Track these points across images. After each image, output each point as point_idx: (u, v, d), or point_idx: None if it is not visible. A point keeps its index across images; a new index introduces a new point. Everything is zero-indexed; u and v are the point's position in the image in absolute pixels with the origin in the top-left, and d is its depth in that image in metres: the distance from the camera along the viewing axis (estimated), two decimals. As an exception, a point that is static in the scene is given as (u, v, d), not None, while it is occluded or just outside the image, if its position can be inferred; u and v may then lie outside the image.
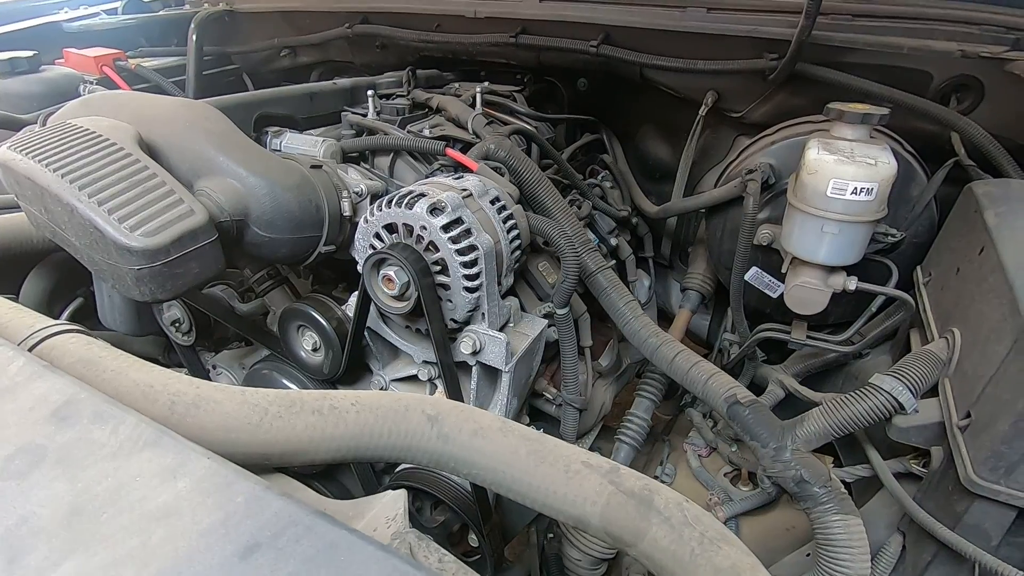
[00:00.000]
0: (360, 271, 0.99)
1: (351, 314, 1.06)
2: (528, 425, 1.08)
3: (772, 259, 1.24)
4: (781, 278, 1.21)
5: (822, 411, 0.94)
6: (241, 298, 1.28)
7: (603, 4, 1.50)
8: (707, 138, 1.60)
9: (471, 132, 1.32)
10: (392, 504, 0.56)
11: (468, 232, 0.96)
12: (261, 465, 0.57)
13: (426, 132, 1.32)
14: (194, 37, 1.89)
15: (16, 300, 0.90)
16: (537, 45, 1.56)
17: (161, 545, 0.33)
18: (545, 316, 1.15)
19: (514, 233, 1.06)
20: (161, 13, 2.19)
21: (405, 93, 1.49)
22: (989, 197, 0.96)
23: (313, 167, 1.09)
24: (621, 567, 1.27)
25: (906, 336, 1.11)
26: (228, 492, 0.36)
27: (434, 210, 0.94)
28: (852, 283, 1.09)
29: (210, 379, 1.25)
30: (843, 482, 0.99)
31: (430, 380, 1.12)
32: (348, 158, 1.24)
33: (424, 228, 0.94)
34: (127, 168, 0.85)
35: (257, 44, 2.10)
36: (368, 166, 1.27)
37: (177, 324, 1.28)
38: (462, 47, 1.70)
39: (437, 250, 0.95)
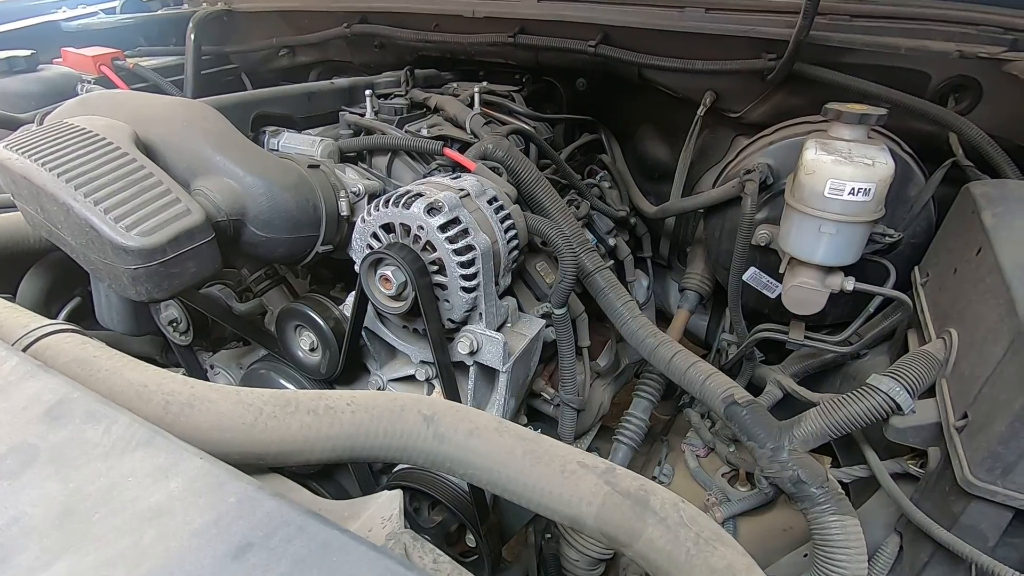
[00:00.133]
0: (357, 271, 0.99)
1: (348, 314, 1.06)
2: (526, 425, 1.08)
3: (770, 259, 1.24)
4: (779, 278, 1.21)
5: (819, 411, 0.94)
6: (239, 298, 1.27)
7: (601, 4, 1.50)
8: (705, 138, 1.60)
9: (469, 132, 1.32)
10: (388, 504, 0.56)
11: (465, 232, 0.96)
12: (256, 465, 0.57)
13: (424, 132, 1.32)
14: (192, 36, 1.89)
15: (13, 300, 0.90)
16: (535, 45, 1.56)
17: (153, 545, 0.33)
18: (543, 316, 1.14)
19: (512, 233, 1.06)
20: (159, 12, 2.18)
21: (403, 93, 1.49)
22: (986, 198, 0.96)
23: (311, 167, 1.09)
24: (619, 567, 1.27)
25: (904, 336, 1.11)
26: (220, 492, 0.36)
27: (431, 210, 0.94)
28: (850, 283, 1.09)
29: (207, 379, 1.25)
30: (840, 482, 0.99)
31: (427, 380, 1.11)
32: (346, 158, 1.24)
33: (421, 228, 0.94)
34: (124, 167, 0.85)
35: (255, 44, 2.10)
36: (366, 166, 1.27)
37: (174, 324, 1.27)
38: (460, 47, 1.69)
39: (434, 250, 0.95)
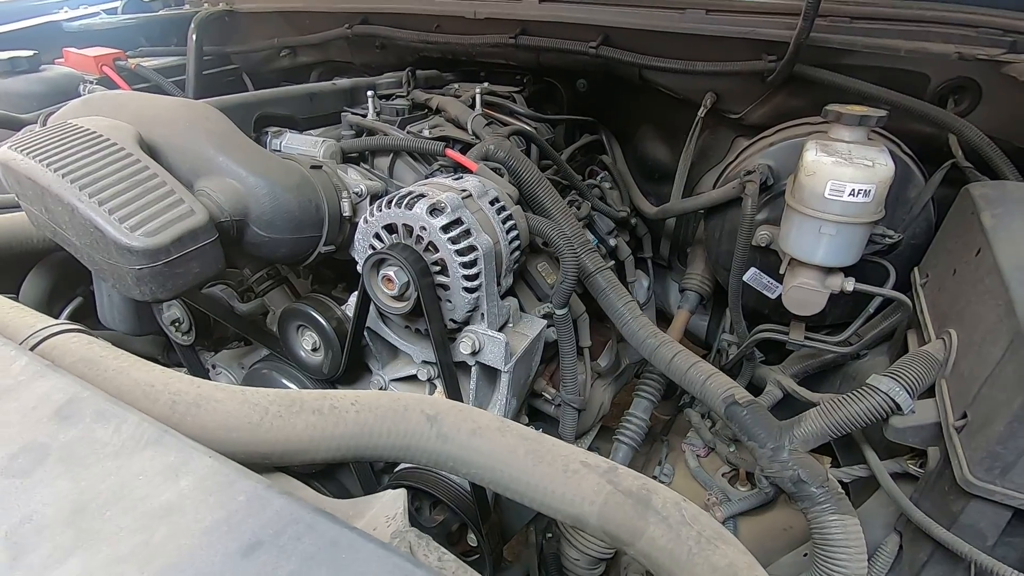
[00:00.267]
0: (360, 271, 1.00)
1: (351, 314, 1.06)
2: (527, 425, 1.09)
3: (770, 260, 1.24)
4: (779, 279, 1.22)
5: (820, 411, 0.95)
6: (241, 298, 1.28)
7: (602, 5, 1.51)
8: (706, 139, 1.61)
9: (471, 133, 1.33)
10: (392, 503, 0.57)
11: (467, 233, 0.96)
12: (261, 464, 0.57)
13: (426, 133, 1.32)
14: (194, 37, 1.90)
15: (16, 299, 0.90)
16: (536, 46, 1.57)
17: (164, 543, 0.33)
18: (544, 316, 1.15)
19: (513, 234, 1.07)
20: (161, 13, 2.19)
21: (405, 94, 1.49)
22: (986, 199, 0.96)
23: (313, 167, 1.10)
24: (619, 566, 1.27)
25: (903, 337, 1.11)
26: (230, 491, 0.36)
27: (434, 211, 0.94)
28: (850, 284, 1.10)
29: (209, 379, 1.25)
30: (840, 482, 1.00)
31: (429, 380, 1.12)
32: (348, 158, 1.24)
33: (424, 229, 0.94)
34: (128, 168, 0.86)
35: (257, 44, 2.11)
36: (368, 166, 1.27)
37: (177, 324, 1.28)
38: (462, 48, 1.70)
39: (437, 250, 0.95)
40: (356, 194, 1.13)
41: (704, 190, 1.57)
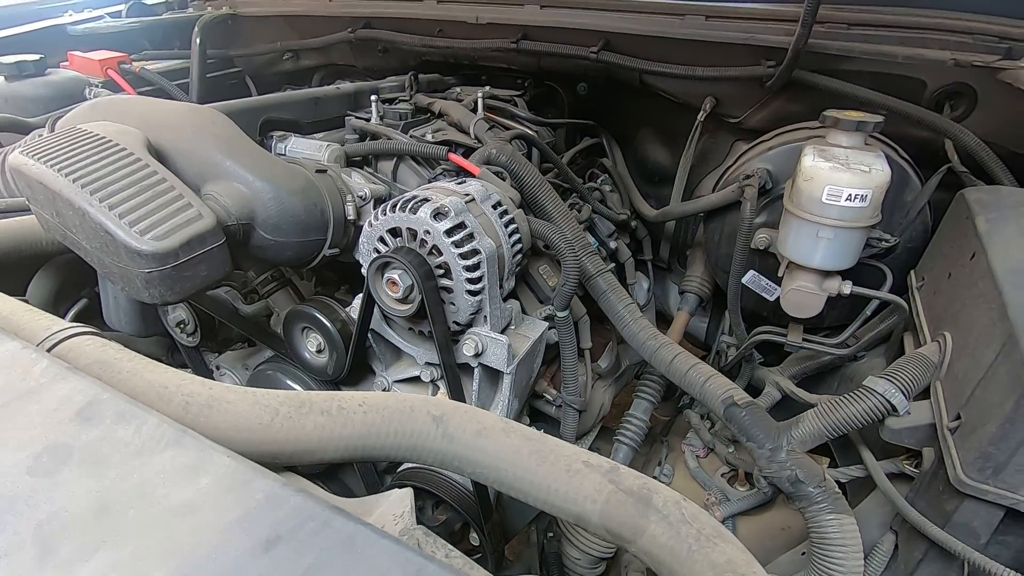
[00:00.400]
0: (364, 274, 1.01)
1: (355, 316, 1.08)
2: (528, 426, 1.10)
3: (769, 263, 1.26)
4: (778, 281, 1.23)
5: (817, 413, 0.96)
6: (244, 299, 1.29)
7: (603, 11, 1.52)
8: (705, 143, 1.63)
9: (473, 137, 1.34)
10: (399, 502, 0.58)
11: (471, 236, 0.98)
12: (271, 464, 0.59)
13: (429, 137, 1.34)
14: (198, 40, 1.91)
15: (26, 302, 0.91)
16: (538, 51, 1.58)
17: (187, 539, 0.35)
18: (546, 318, 1.16)
19: (516, 237, 1.08)
20: (164, 17, 2.20)
21: (408, 98, 1.51)
22: (980, 204, 0.98)
23: (318, 171, 1.11)
24: (620, 565, 1.28)
25: (900, 339, 1.13)
26: (248, 489, 0.38)
27: (438, 215, 0.96)
28: (847, 287, 1.11)
29: (213, 380, 1.26)
30: (838, 482, 1.01)
31: (432, 381, 1.13)
32: (352, 162, 1.26)
33: (428, 232, 0.96)
34: (137, 173, 0.87)
35: (260, 47, 2.12)
36: (371, 170, 1.29)
37: (182, 325, 1.29)
38: (464, 52, 1.72)
39: (440, 254, 0.97)
40: (360, 198, 1.15)
41: (703, 193, 1.59)
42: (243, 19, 2.11)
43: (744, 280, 1.31)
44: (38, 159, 0.85)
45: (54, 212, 0.88)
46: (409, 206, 0.97)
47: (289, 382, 1.20)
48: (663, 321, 1.81)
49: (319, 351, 1.15)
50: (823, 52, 1.28)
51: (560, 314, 1.14)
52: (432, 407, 0.66)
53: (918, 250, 1.19)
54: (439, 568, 0.33)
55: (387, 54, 1.90)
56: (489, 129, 1.37)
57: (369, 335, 1.11)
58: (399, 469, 1.14)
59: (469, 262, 0.96)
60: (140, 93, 1.73)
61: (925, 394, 0.91)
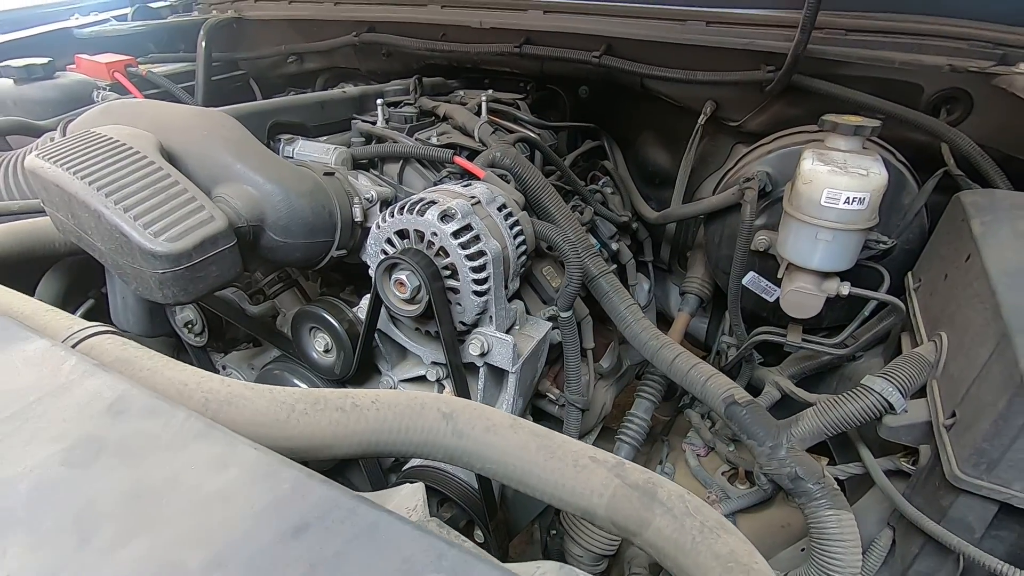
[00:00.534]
0: (372, 275, 1.03)
1: (362, 316, 1.10)
2: (533, 424, 1.12)
3: (768, 264, 1.28)
4: (777, 283, 1.25)
5: (816, 411, 0.98)
6: (251, 300, 1.31)
7: (605, 16, 1.55)
8: (706, 146, 1.65)
9: (477, 140, 1.36)
10: (412, 496, 0.60)
11: (477, 238, 1.00)
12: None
13: (434, 140, 1.36)
14: (203, 44, 1.93)
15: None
16: (541, 55, 1.60)
17: (220, 525, 0.36)
18: (549, 319, 1.18)
19: (520, 239, 1.10)
20: (170, 20, 2.23)
21: (412, 101, 1.53)
22: (975, 206, 1.00)
23: (326, 174, 1.13)
24: (622, 562, 1.30)
25: (898, 339, 1.15)
26: (276, 479, 0.40)
27: (445, 217, 0.98)
28: (845, 288, 1.13)
29: (222, 379, 1.28)
30: (837, 480, 1.03)
31: (438, 381, 1.15)
32: (358, 165, 1.28)
33: (435, 234, 0.98)
34: (151, 176, 0.89)
35: (264, 51, 2.14)
36: (378, 173, 1.31)
37: (190, 325, 1.31)
38: (467, 56, 1.74)
39: (447, 255, 0.99)
40: (367, 200, 1.16)
41: (704, 196, 1.61)
42: (248, 23, 2.13)
43: (744, 281, 1.33)
44: (54, 162, 0.87)
45: (70, 214, 0.90)
46: (417, 208, 0.99)
47: (296, 381, 1.22)
48: (664, 322, 1.83)
49: (326, 351, 1.16)
50: (822, 57, 1.30)
51: (563, 314, 1.16)
52: (442, 404, 0.67)
53: (915, 252, 1.21)
54: (460, 552, 0.35)
55: (391, 58, 1.92)
56: (493, 132, 1.39)
57: (376, 335, 1.13)
58: (404, 468, 1.15)
59: (475, 263, 0.98)
60: (146, 96, 1.75)
61: (922, 393, 0.93)
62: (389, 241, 1.04)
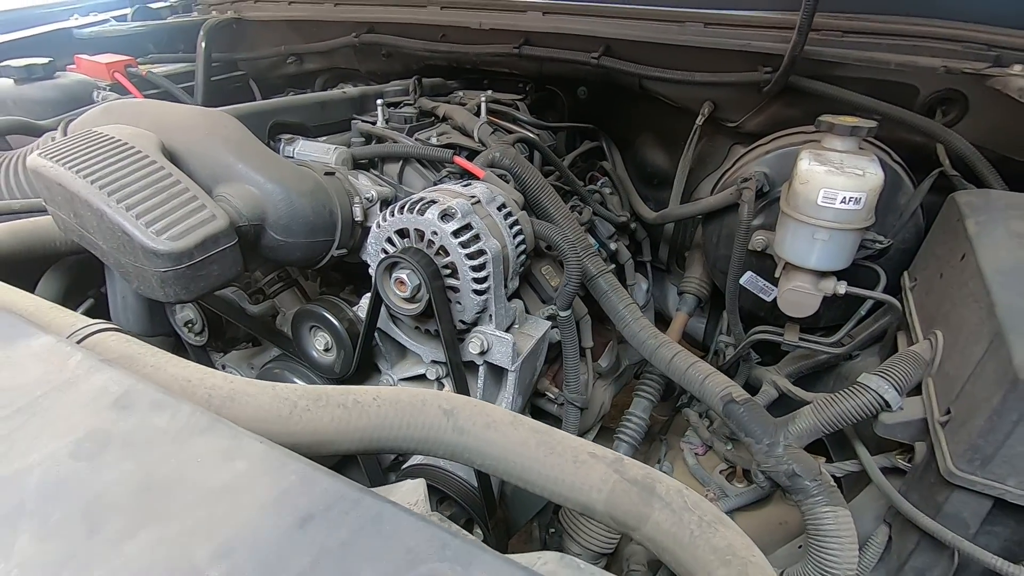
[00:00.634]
0: (372, 274, 1.04)
1: (362, 315, 1.10)
2: (532, 422, 1.13)
3: (766, 264, 1.29)
4: (775, 282, 1.26)
5: (813, 409, 0.99)
6: (251, 299, 1.31)
7: (604, 18, 1.55)
8: (704, 146, 1.66)
9: (477, 140, 1.37)
10: (413, 491, 0.60)
11: (477, 237, 1.00)
12: (290, 455, 0.61)
13: (433, 140, 1.36)
14: (203, 44, 1.94)
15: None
16: (540, 56, 1.61)
17: (226, 516, 0.37)
18: (548, 318, 1.19)
19: (520, 238, 1.11)
20: (169, 20, 2.23)
21: (412, 102, 1.54)
22: (970, 206, 1.01)
23: (326, 174, 1.14)
24: (621, 560, 1.31)
25: (894, 338, 1.16)
26: (282, 471, 0.40)
27: (445, 216, 0.98)
28: (842, 287, 1.14)
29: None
30: (834, 477, 1.04)
31: (438, 379, 1.16)
32: (358, 165, 1.29)
33: (435, 233, 0.98)
34: (153, 175, 0.90)
35: (264, 51, 2.15)
36: (378, 173, 1.31)
37: (190, 325, 1.31)
38: (466, 57, 1.75)
39: (447, 254, 0.99)
40: (367, 199, 1.17)
41: (702, 196, 1.61)
42: (247, 23, 2.13)
43: (742, 281, 1.34)
44: (57, 161, 0.88)
45: (72, 213, 0.90)
46: (417, 208, 1.00)
47: (296, 380, 1.22)
48: (662, 321, 1.83)
49: (326, 349, 1.17)
50: (819, 59, 1.32)
51: (562, 313, 1.16)
52: (443, 401, 0.68)
53: (911, 251, 1.23)
54: (463, 542, 0.36)
55: (391, 58, 1.93)
56: (492, 133, 1.40)
57: (376, 334, 1.14)
58: (403, 466, 1.16)
59: (475, 262, 0.99)
60: (145, 96, 1.75)
61: (917, 390, 0.94)
62: (389, 240, 1.04)
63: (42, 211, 1.07)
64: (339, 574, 0.34)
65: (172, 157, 1.00)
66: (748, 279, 1.35)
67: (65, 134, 1.19)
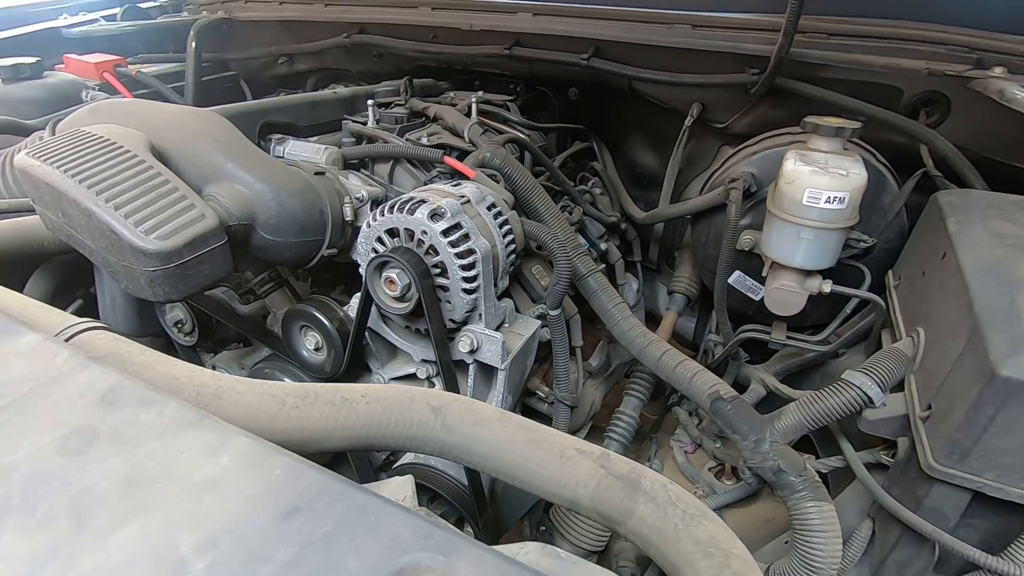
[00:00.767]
0: (362, 273, 1.04)
1: (352, 315, 1.11)
2: (522, 421, 1.13)
3: (754, 263, 1.30)
4: (763, 281, 1.28)
5: (798, 405, 1.01)
6: (241, 300, 1.31)
7: (594, 19, 1.57)
8: (692, 147, 1.67)
9: (467, 140, 1.37)
10: (401, 488, 0.61)
11: (467, 237, 1.01)
12: (279, 452, 0.61)
13: (424, 140, 1.37)
14: (193, 44, 1.93)
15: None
16: (530, 57, 1.62)
17: (212, 509, 0.37)
18: (538, 317, 1.20)
19: (509, 238, 1.12)
20: (159, 20, 2.22)
21: (403, 102, 1.54)
22: (951, 206, 1.03)
23: (316, 173, 1.14)
24: (610, 556, 1.32)
25: (879, 336, 1.17)
26: (267, 465, 0.41)
27: (434, 216, 0.99)
28: (827, 286, 1.16)
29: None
30: (819, 473, 1.05)
31: (428, 378, 1.16)
32: (349, 165, 1.29)
33: (425, 233, 0.99)
34: (142, 174, 0.90)
35: (255, 51, 2.15)
36: (368, 172, 1.32)
37: (180, 325, 1.31)
38: (457, 58, 1.75)
39: (437, 254, 1.00)
40: (358, 199, 1.18)
41: (691, 196, 1.63)
42: (238, 23, 2.13)
43: (730, 280, 1.35)
44: (45, 160, 0.88)
45: (60, 212, 0.90)
46: (407, 207, 1.00)
47: (287, 380, 1.22)
48: (652, 321, 1.85)
49: (317, 349, 1.17)
50: (804, 61, 1.33)
51: (552, 312, 1.17)
52: (431, 398, 0.69)
53: (895, 251, 1.24)
54: (446, 532, 0.36)
55: (381, 59, 1.93)
56: (483, 133, 1.41)
57: (366, 333, 1.14)
58: (394, 466, 1.16)
59: (465, 261, 0.99)
60: (135, 96, 1.75)
61: (901, 387, 0.95)
62: (379, 240, 1.05)
63: (30, 211, 1.07)
64: (324, 564, 0.35)
65: (161, 157, 1.00)
66: (736, 278, 1.36)
67: (53, 134, 1.19)
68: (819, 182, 1.04)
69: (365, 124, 1.41)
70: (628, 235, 1.80)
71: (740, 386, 1.33)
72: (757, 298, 1.35)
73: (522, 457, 0.65)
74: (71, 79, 1.68)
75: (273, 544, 0.35)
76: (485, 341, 1.05)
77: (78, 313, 1.40)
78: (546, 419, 1.31)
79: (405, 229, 1.01)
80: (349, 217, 1.14)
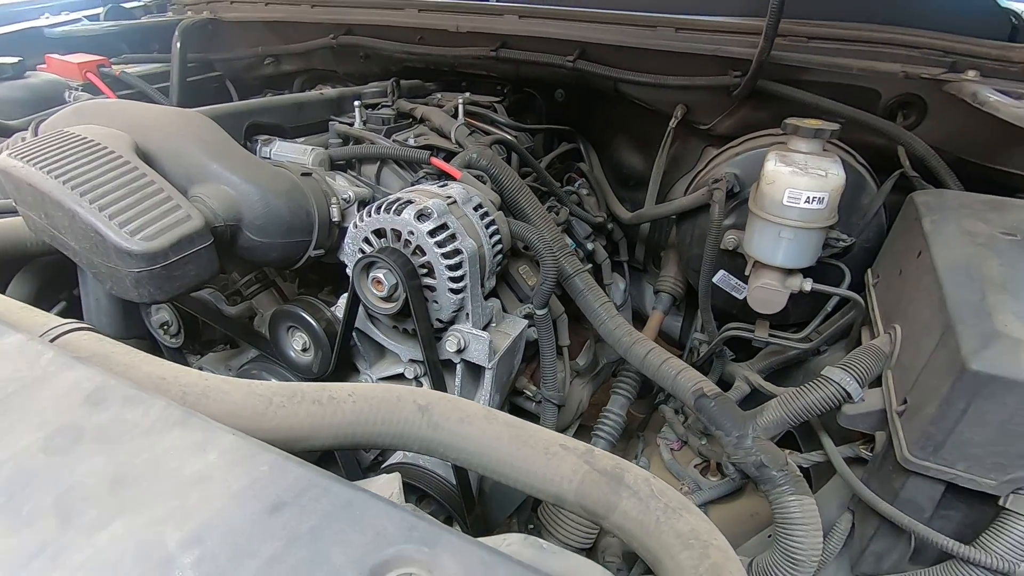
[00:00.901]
0: (349, 274, 1.04)
1: (340, 315, 1.11)
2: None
3: (738, 263, 1.32)
4: (746, 280, 1.30)
5: (780, 402, 1.03)
6: (228, 301, 1.31)
7: (579, 22, 1.58)
8: (677, 148, 1.69)
9: (454, 142, 1.38)
10: (388, 485, 0.61)
11: (453, 237, 1.02)
12: (266, 450, 0.62)
13: (411, 141, 1.38)
14: (178, 45, 1.92)
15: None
16: (516, 59, 1.63)
17: (198, 505, 0.38)
18: (525, 316, 1.21)
19: (496, 238, 1.13)
20: (143, 20, 2.20)
21: (390, 103, 1.54)
22: (926, 206, 1.06)
23: (303, 174, 1.14)
24: (597, 552, 1.33)
25: (858, 333, 1.20)
26: (253, 461, 0.41)
27: (421, 216, 1.00)
28: (808, 284, 1.18)
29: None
30: (801, 468, 1.07)
31: (416, 378, 1.17)
32: (336, 166, 1.29)
33: (412, 233, 1.00)
34: (126, 175, 0.89)
35: (240, 52, 2.13)
36: (355, 173, 1.32)
37: (166, 327, 1.30)
38: (444, 59, 1.76)
39: (424, 254, 1.01)
40: (344, 200, 1.18)
41: (676, 197, 1.65)
42: (223, 24, 2.12)
43: (715, 280, 1.37)
44: (27, 161, 0.87)
45: (43, 213, 0.89)
46: (393, 208, 1.01)
47: (274, 380, 1.22)
48: (639, 320, 1.86)
49: (304, 350, 1.17)
50: (785, 63, 1.36)
51: (539, 312, 1.18)
52: (418, 397, 0.69)
53: (874, 249, 1.27)
54: (430, 524, 0.37)
55: (368, 60, 1.93)
56: (470, 134, 1.41)
57: (354, 334, 1.14)
58: (382, 465, 1.17)
59: (451, 261, 1.00)
60: (119, 96, 1.73)
61: (879, 382, 0.98)
62: (366, 240, 1.05)
63: (12, 212, 1.06)
64: (309, 558, 0.35)
65: (146, 158, 0.99)
66: (720, 278, 1.38)
67: (36, 134, 1.18)
68: (799, 182, 1.06)
69: (352, 125, 1.41)
70: (615, 235, 1.81)
71: (725, 384, 1.35)
72: (741, 297, 1.37)
73: (508, 454, 0.65)
74: (53, 79, 1.66)
75: (259, 538, 0.36)
76: (472, 340, 1.06)
77: (61, 315, 1.39)
78: (534, 418, 1.32)
79: (392, 230, 1.02)
80: (336, 218, 1.15)
